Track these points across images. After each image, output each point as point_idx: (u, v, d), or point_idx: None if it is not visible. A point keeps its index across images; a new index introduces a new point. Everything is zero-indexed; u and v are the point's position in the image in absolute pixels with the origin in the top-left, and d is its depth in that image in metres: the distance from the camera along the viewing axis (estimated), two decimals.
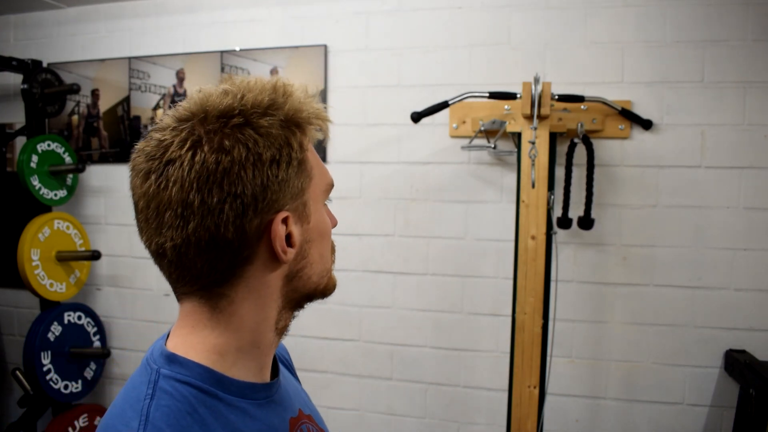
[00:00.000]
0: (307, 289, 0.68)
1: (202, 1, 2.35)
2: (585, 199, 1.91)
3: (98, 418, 2.43)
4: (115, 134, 2.49)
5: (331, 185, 0.71)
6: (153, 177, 0.61)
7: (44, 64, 2.44)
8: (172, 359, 0.62)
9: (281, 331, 0.69)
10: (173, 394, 0.59)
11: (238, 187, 0.58)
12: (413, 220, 2.17)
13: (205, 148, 0.58)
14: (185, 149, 0.58)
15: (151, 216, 0.62)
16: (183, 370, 0.61)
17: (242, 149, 0.58)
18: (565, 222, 1.92)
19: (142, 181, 0.63)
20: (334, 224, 0.73)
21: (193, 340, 0.64)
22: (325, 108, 0.69)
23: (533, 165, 1.76)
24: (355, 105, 2.20)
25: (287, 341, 0.79)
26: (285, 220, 0.62)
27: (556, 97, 1.84)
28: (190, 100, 0.62)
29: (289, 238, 0.63)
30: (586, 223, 1.91)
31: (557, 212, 1.92)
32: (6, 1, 2.47)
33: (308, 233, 0.66)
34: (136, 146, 0.66)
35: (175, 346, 0.64)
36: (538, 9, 2.03)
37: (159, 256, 0.63)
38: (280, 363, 0.77)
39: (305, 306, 0.71)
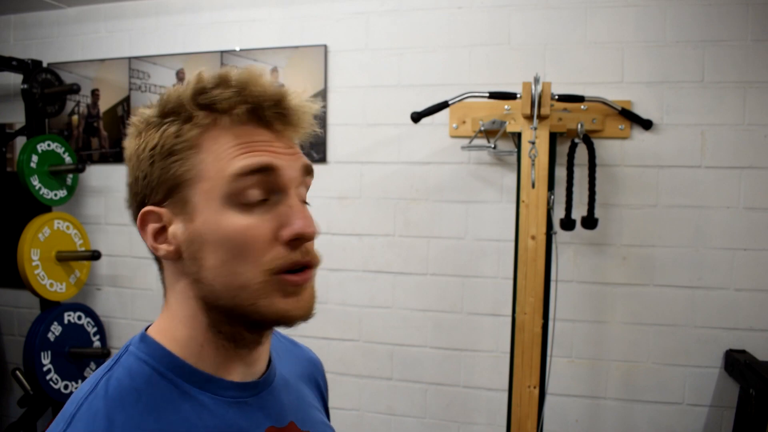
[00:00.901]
0: (219, 300, 0.60)
1: (202, 1, 2.35)
2: (588, 198, 1.90)
3: None
4: (115, 134, 2.49)
5: (235, 176, 0.58)
6: None
7: (44, 64, 2.43)
8: (143, 339, 0.64)
9: (231, 337, 0.62)
10: (129, 369, 0.60)
11: (128, 177, 0.64)
12: (413, 220, 2.17)
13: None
14: None
15: None
16: (147, 349, 0.62)
17: (129, 141, 0.64)
18: (568, 223, 1.90)
19: None
20: (288, 230, 0.59)
21: (161, 325, 0.65)
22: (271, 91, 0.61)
23: (533, 165, 1.76)
24: (355, 105, 2.20)
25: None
26: (155, 214, 0.60)
27: (556, 97, 1.84)
28: None
29: (162, 233, 0.61)
30: (590, 222, 1.91)
31: (559, 213, 1.92)
32: (6, 1, 2.47)
33: (193, 234, 0.59)
34: None
35: (152, 329, 0.65)
36: (538, 9, 2.03)
37: None
38: (300, 375, 0.77)
39: (256, 326, 0.62)
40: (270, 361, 0.71)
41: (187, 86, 0.61)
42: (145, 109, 0.64)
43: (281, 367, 0.74)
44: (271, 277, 0.58)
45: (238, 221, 0.58)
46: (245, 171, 0.58)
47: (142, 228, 0.61)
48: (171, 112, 0.61)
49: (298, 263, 0.59)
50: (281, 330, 0.76)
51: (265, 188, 0.59)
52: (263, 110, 0.60)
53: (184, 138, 0.59)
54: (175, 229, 0.60)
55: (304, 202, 0.64)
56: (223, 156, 0.59)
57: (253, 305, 0.59)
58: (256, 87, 0.59)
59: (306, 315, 0.61)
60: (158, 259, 0.65)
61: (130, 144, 0.63)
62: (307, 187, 0.65)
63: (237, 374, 0.65)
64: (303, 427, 0.70)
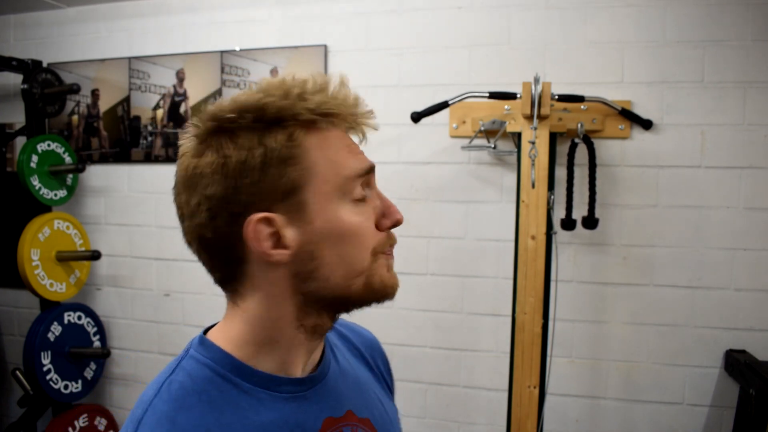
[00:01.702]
0: (331, 291, 0.64)
1: (202, 1, 2.35)
2: (588, 198, 1.90)
3: (98, 418, 2.43)
4: (115, 134, 2.49)
5: (352, 178, 0.63)
6: None
7: (44, 64, 2.43)
8: (202, 342, 0.67)
9: (312, 329, 0.67)
10: (190, 372, 0.64)
11: (208, 189, 0.61)
12: (413, 220, 2.17)
13: (189, 154, 0.63)
14: (179, 156, 0.65)
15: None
16: (206, 352, 0.65)
17: (212, 154, 0.61)
18: (569, 223, 1.90)
19: None
20: (389, 219, 0.67)
21: (224, 328, 0.68)
22: (354, 98, 0.66)
23: (533, 165, 1.76)
24: None
25: None
26: (267, 221, 0.61)
27: (556, 97, 1.84)
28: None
29: (279, 239, 0.62)
30: (590, 222, 1.91)
31: (560, 213, 1.92)
32: (6, 1, 2.47)
33: (311, 234, 0.62)
34: None
35: (210, 333, 0.69)
36: (538, 9, 2.03)
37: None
38: (356, 358, 0.80)
39: (352, 308, 0.68)
40: (324, 352, 0.74)
41: (286, 93, 0.61)
42: (206, 120, 0.62)
43: (339, 355, 0.77)
44: (375, 257, 0.66)
45: (354, 216, 0.64)
46: (360, 173, 0.64)
47: (256, 237, 0.61)
48: (275, 118, 0.61)
49: (393, 245, 0.69)
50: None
51: (366, 185, 0.66)
52: (356, 117, 0.66)
53: (297, 143, 0.61)
54: (290, 232, 0.62)
55: None
56: (335, 158, 0.63)
57: (368, 284, 0.66)
58: (346, 97, 0.65)
59: (398, 285, 0.70)
60: (233, 265, 0.65)
61: (211, 156, 0.61)
62: None
63: (296, 368, 0.68)
64: (360, 414, 0.72)
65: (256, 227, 0.61)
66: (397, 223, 0.68)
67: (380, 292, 0.68)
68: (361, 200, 0.65)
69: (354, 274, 0.64)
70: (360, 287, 0.65)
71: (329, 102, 0.62)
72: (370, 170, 0.66)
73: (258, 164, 0.60)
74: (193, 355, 0.65)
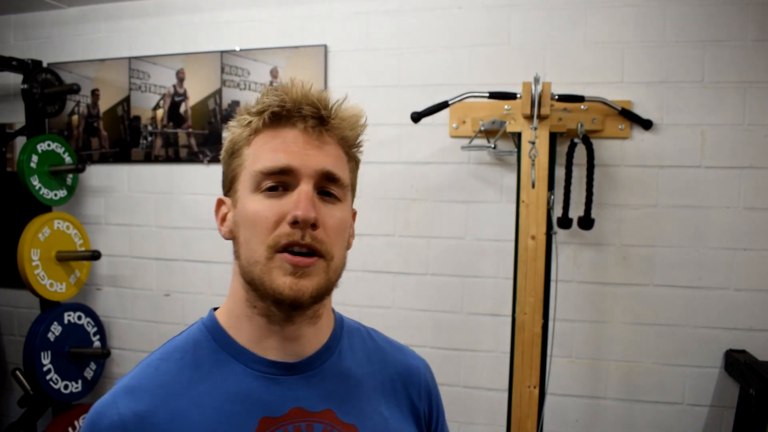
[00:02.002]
0: (245, 273, 0.70)
1: (202, 1, 2.35)
2: (585, 199, 1.91)
3: None
4: (115, 134, 2.49)
5: (262, 173, 0.68)
6: None
7: (44, 64, 2.43)
8: (210, 310, 0.77)
9: (264, 314, 0.71)
10: (189, 334, 0.75)
11: None
12: (413, 220, 2.17)
13: None
14: None
15: None
16: (207, 319, 0.76)
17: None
18: (565, 222, 1.92)
19: None
20: (290, 215, 0.67)
21: (226, 299, 0.77)
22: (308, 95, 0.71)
23: (533, 165, 1.76)
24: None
25: None
26: (222, 202, 0.76)
27: (556, 97, 1.84)
28: None
29: (225, 217, 0.74)
30: (586, 223, 1.91)
31: (557, 212, 1.92)
32: (6, 1, 2.47)
33: (236, 216, 0.72)
34: None
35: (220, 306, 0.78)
36: (538, 9, 2.03)
37: None
38: (377, 371, 0.79)
39: (270, 301, 0.68)
40: (322, 350, 0.75)
41: (263, 93, 0.73)
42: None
43: (350, 358, 0.78)
44: (274, 255, 0.67)
45: (256, 204, 0.69)
46: (266, 171, 0.69)
47: (215, 212, 0.76)
48: (238, 119, 0.74)
49: (297, 243, 0.66)
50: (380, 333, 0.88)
51: (283, 182, 0.69)
52: (287, 111, 0.70)
53: (240, 139, 0.73)
54: (231, 213, 0.74)
55: (333, 197, 0.71)
56: (257, 153, 0.71)
57: (260, 278, 0.68)
58: (286, 92, 0.70)
59: (298, 298, 0.67)
60: None
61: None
62: (339, 193, 0.72)
63: (272, 352, 0.72)
64: (344, 419, 0.72)
65: (217, 205, 0.76)
66: (295, 219, 0.66)
67: (270, 292, 0.67)
68: (274, 192, 0.69)
69: (251, 260, 0.68)
70: (258, 278, 0.68)
71: (260, 102, 0.71)
72: (283, 170, 0.68)
73: (224, 156, 0.75)
74: (201, 321, 0.76)
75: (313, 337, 0.75)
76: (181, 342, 0.74)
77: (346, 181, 0.73)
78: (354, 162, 0.78)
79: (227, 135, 0.75)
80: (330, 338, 0.77)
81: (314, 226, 0.67)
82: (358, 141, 0.78)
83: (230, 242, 0.74)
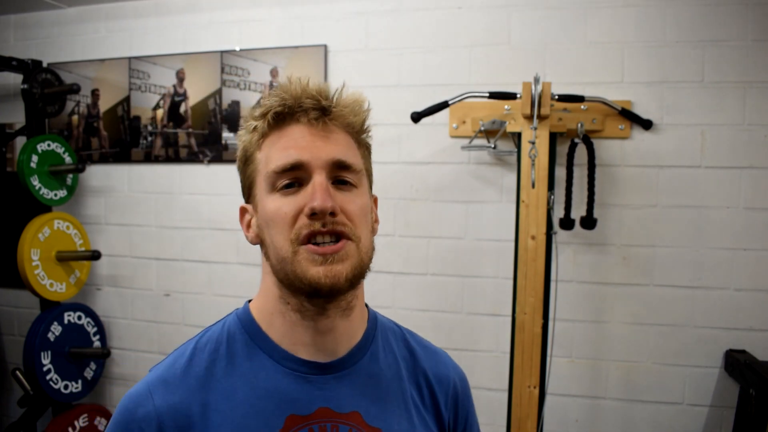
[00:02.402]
0: (276, 272, 0.71)
1: (202, 1, 2.35)
2: (587, 198, 1.90)
3: (98, 418, 2.43)
4: (115, 134, 2.49)
5: (275, 173, 0.70)
6: None
7: (44, 64, 2.43)
8: (245, 304, 0.78)
9: (298, 310, 0.72)
10: (224, 324, 0.76)
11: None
12: (413, 220, 2.17)
13: None
14: None
15: None
16: (241, 312, 0.77)
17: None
18: (567, 223, 1.91)
19: None
20: (307, 206, 0.67)
21: (257, 295, 0.78)
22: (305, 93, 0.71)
23: (533, 165, 1.76)
24: None
25: None
26: (245, 210, 0.77)
27: (556, 97, 1.84)
28: None
29: (250, 224, 0.76)
30: (588, 222, 1.91)
31: (559, 213, 1.92)
32: (6, 1, 2.47)
33: (259, 220, 0.73)
34: None
35: (254, 297, 0.79)
36: (538, 9, 2.03)
37: None
38: (408, 375, 0.78)
39: (303, 295, 0.70)
40: (356, 349, 0.75)
41: (265, 97, 0.74)
42: None
43: (383, 360, 0.77)
44: (299, 248, 0.68)
45: (274, 203, 0.70)
46: (279, 170, 0.70)
47: (240, 220, 0.78)
48: (246, 125, 0.75)
49: (316, 232, 0.67)
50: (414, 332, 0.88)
51: (297, 177, 0.70)
52: (290, 108, 0.71)
53: (251, 144, 0.74)
54: (254, 219, 0.75)
55: (349, 185, 0.71)
56: (269, 155, 0.71)
57: (293, 273, 0.68)
58: (286, 91, 0.71)
59: (335, 283, 0.67)
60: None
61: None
62: (354, 180, 0.72)
63: (304, 348, 0.72)
64: (371, 422, 0.72)
65: (240, 213, 0.78)
66: (312, 210, 0.67)
67: (306, 283, 0.68)
68: (290, 190, 0.70)
69: (279, 257, 0.69)
70: (289, 274, 0.69)
71: (271, 106, 0.71)
72: (294, 166, 0.69)
73: (241, 161, 0.76)
74: (235, 313, 0.77)
75: (347, 332, 0.74)
76: (215, 333, 0.75)
77: (358, 166, 0.73)
78: (365, 148, 0.77)
79: (239, 144, 0.77)
80: (363, 337, 0.77)
81: (333, 214, 0.67)
82: (366, 126, 0.77)
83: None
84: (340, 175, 0.71)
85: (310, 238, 0.67)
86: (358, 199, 0.72)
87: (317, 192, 0.67)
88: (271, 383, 0.70)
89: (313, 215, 0.67)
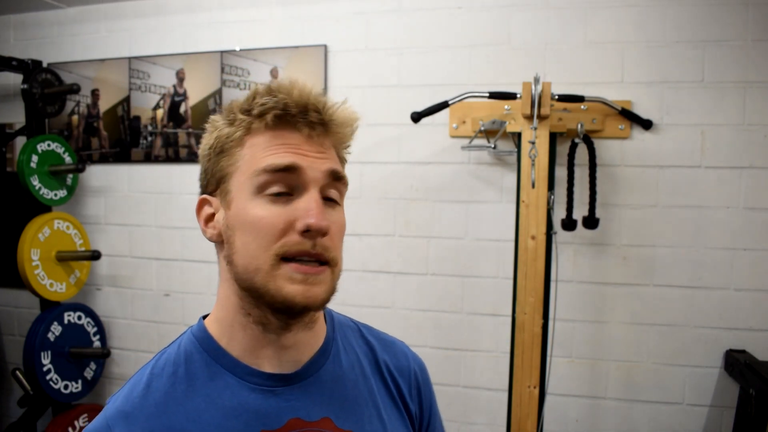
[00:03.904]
0: (242, 280, 0.67)
1: (202, 1, 2.35)
2: (589, 198, 1.90)
3: None
4: (115, 134, 2.49)
5: (266, 171, 0.66)
6: None
7: (44, 64, 2.43)
8: (199, 320, 0.74)
9: (260, 322, 0.68)
10: (179, 345, 0.72)
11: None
12: (413, 220, 2.17)
13: None
14: None
15: None
16: (197, 329, 0.73)
17: (202, 141, 0.74)
18: (569, 224, 1.90)
19: None
20: (300, 222, 0.65)
21: (214, 307, 0.74)
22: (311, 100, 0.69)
23: (533, 165, 1.76)
24: (355, 105, 2.17)
25: None
26: (207, 202, 0.72)
27: (556, 97, 1.84)
28: None
29: (212, 219, 0.72)
30: (591, 222, 1.91)
31: (560, 213, 1.92)
32: (6, 1, 2.47)
33: (229, 219, 0.69)
34: None
35: (211, 311, 0.75)
36: (538, 9, 2.03)
37: None
38: (373, 372, 0.78)
39: (270, 308, 0.67)
40: (318, 355, 0.74)
41: (254, 93, 0.70)
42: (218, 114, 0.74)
43: (346, 361, 0.77)
44: (280, 263, 0.65)
45: (260, 210, 0.66)
46: (271, 168, 0.66)
47: (198, 212, 0.73)
48: (228, 117, 0.71)
49: (305, 252, 0.65)
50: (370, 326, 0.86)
51: (288, 184, 0.67)
52: (291, 116, 0.68)
53: (232, 138, 0.69)
54: (220, 215, 0.71)
55: (333, 202, 0.70)
56: (257, 154, 0.67)
57: (265, 287, 0.65)
58: (288, 95, 0.68)
59: (311, 305, 0.65)
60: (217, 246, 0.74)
61: (201, 143, 0.74)
62: (340, 192, 0.71)
63: (267, 361, 0.70)
64: (342, 425, 0.71)
65: (199, 204, 0.73)
66: (307, 228, 0.64)
67: (276, 301, 0.65)
68: (280, 197, 0.66)
69: (252, 267, 0.66)
70: (260, 286, 0.65)
71: (258, 102, 0.68)
72: (289, 168, 0.66)
73: (206, 153, 0.72)
74: (190, 332, 0.73)
75: (309, 342, 0.73)
76: (172, 355, 0.71)
77: (347, 179, 0.72)
78: (343, 162, 0.76)
79: (210, 131, 0.72)
80: (324, 342, 0.76)
81: (324, 234, 0.66)
82: (349, 143, 0.76)
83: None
84: (331, 188, 0.69)
85: (296, 256, 0.65)
86: (341, 218, 0.71)
87: (314, 209, 0.65)
88: (237, 401, 0.67)
89: (306, 232, 0.64)
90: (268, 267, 0.65)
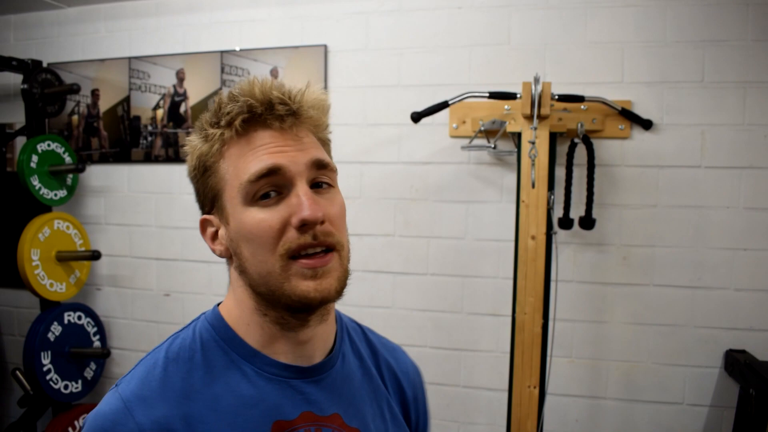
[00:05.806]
0: (257, 287, 0.68)
1: (202, 1, 2.35)
2: (586, 198, 1.91)
3: None
4: (115, 134, 2.49)
5: (250, 182, 0.66)
6: None
7: (44, 64, 2.43)
8: (214, 310, 0.75)
9: (277, 321, 0.70)
10: (195, 331, 0.72)
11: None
12: (413, 220, 2.17)
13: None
14: None
15: None
16: (213, 319, 0.73)
17: (186, 160, 0.74)
18: (566, 222, 1.91)
19: None
20: (295, 217, 0.65)
21: (227, 301, 0.75)
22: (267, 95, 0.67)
23: (533, 165, 1.76)
24: (355, 105, 2.20)
25: None
26: (209, 221, 0.73)
27: (556, 97, 1.84)
28: None
29: (217, 236, 0.72)
30: (587, 223, 1.91)
31: (558, 213, 1.92)
32: (6, 1, 2.47)
33: (231, 234, 0.70)
34: None
35: (222, 303, 0.76)
36: (538, 9, 2.03)
37: None
38: (375, 373, 0.80)
39: (288, 309, 0.68)
40: (332, 351, 0.75)
41: (219, 102, 0.69)
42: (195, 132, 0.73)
43: (353, 361, 0.78)
44: (288, 262, 0.66)
45: (254, 216, 0.66)
46: (254, 177, 0.66)
47: (203, 233, 0.74)
48: (201, 134, 0.71)
49: (307, 245, 0.66)
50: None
51: (275, 185, 0.67)
52: (258, 116, 0.67)
53: (210, 154, 0.69)
54: (222, 231, 0.71)
55: (326, 186, 0.70)
56: (238, 164, 0.67)
57: (281, 289, 0.66)
58: (250, 95, 0.67)
59: (326, 297, 0.66)
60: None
61: (186, 166, 0.74)
62: (330, 179, 0.71)
63: (284, 354, 0.71)
64: (350, 422, 0.73)
65: (201, 225, 0.74)
66: (302, 222, 0.65)
67: (293, 300, 0.66)
68: (271, 199, 0.66)
69: (263, 272, 0.67)
70: (276, 288, 0.66)
71: (224, 111, 0.67)
72: (270, 171, 0.66)
73: (193, 176, 0.72)
74: (205, 318, 0.74)
75: (323, 336, 0.75)
76: (187, 340, 0.71)
77: (333, 164, 0.71)
78: (327, 144, 0.75)
79: (190, 152, 0.71)
80: (336, 340, 0.78)
81: (321, 222, 0.66)
82: (326, 123, 0.75)
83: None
84: (318, 176, 0.69)
85: (301, 251, 0.65)
86: (337, 199, 0.71)
87: (305, 201, 0.65)
88: (254, 390, 0.69)
89: (303, 226, 0.65)
90: (279, 268, 0.66)
